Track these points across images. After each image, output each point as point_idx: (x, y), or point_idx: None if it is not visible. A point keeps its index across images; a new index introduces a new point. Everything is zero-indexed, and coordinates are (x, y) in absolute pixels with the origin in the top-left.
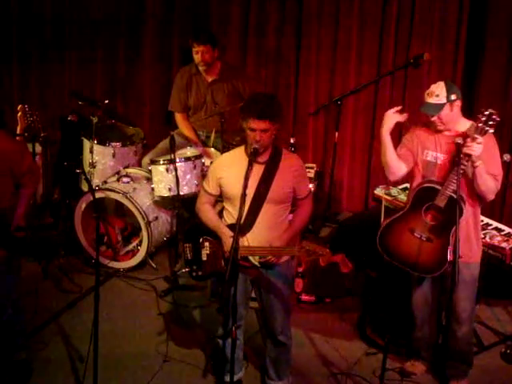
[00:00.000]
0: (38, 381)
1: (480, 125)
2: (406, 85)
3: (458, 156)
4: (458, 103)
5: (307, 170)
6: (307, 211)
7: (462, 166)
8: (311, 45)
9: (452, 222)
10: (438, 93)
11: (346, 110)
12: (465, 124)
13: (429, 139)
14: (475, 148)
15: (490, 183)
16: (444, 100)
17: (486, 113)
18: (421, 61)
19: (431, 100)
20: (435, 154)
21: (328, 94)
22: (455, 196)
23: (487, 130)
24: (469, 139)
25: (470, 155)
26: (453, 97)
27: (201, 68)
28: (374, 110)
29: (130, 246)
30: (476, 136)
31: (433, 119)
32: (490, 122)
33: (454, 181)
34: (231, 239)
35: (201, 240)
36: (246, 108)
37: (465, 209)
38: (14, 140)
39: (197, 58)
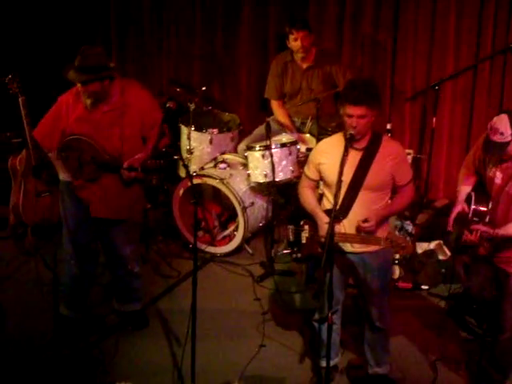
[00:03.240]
0: (137, 364)
1: None
2: (505, 70)
3: None
4: None
5: None
6: (407, 197)
7: None
8: (408, 29)
9: None
10: (502, 130)
11: (444, 95)
12: None
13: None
14: None
15: None
16: (509, 138)
17: None
18: None
19: (495, 138)
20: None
21: (425, 80)
22: None
23: None
24: None
25: None
26: None
27: (299, 55)
28: (472, 96)
29: (227, 232)
30: None
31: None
32: None
33: None
34: (326, 225)
35: (302, 223)
36: (343, 94)
37: None
38: (149, 95)
39: (296, 45)
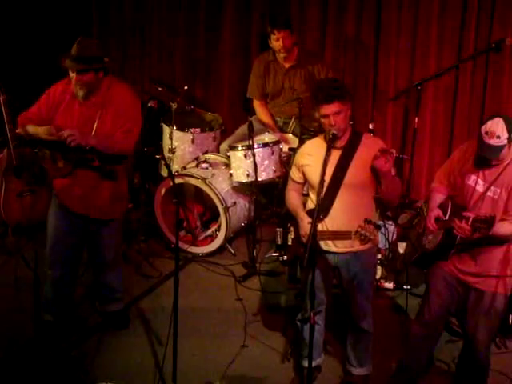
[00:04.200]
0: (119, 364)
1: None
2: (488, 70)
3: None
4: None
5: None
6: (395, 187)
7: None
8: (391, 29)
9: None
10: (498, 134)
11: (426, 95)
12: None
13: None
14: None
15: None
16: (505, 141)
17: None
18: (502, 45)
19: (491, 142)
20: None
21: (408, 79)
22: None
23: None
24: None
25: None
26: None
27: (281, 55)
28: (454, 96)
29: (209, 232)
30: None
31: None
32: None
33: None
34: (307, 224)
35: (288, 225)
36: (314, 98)
37: None
38: (131, 95)
39: (277, 45)
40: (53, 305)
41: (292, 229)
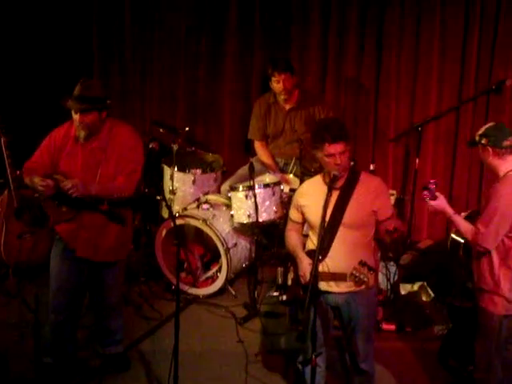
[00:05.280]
0: None
1: None
2: (488, 111)
3: None
4: (489, 149)
5: None
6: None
7: None
8: (391, 71)
9: None
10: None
11: (427, 136)
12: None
13: None
14: None
15: None
16: (477, 138)
17: None
18: (503, 87)
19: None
20: None
21: (408, 120)
22: None
23: None
24: None
25: None
26: (483, 141)
27: (282, 97)
28: (455, 137)
29: (210, 273)
30: None
31: None
32: None
33: None
34: (307, 265)
35: (289, 264)
36: (318, 136)
37: None
38: (135, 136)
39: (278, 87)
40: (53, 347)
41: (292, 269)
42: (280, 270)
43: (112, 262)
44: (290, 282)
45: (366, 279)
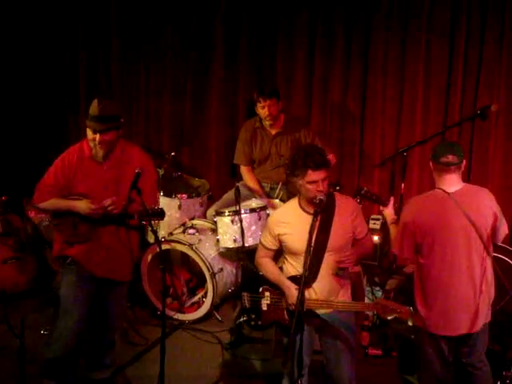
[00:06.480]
0: None
1: None
2: (473, 136)
3: None
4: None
5: (373, 221)
6: (369, 247)
7: None
8: (376, 95)
9: None
10: None
11: (412, 161)
12: None
13: None
14: None
15: None
16: None
17: None
18: (488, 112)
19: None
20: None
21: (394, 145)
22: None
23: None
24: None
25: None
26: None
27: (267, 122)
28: None
29: (196, 298)
30: None
31: None
32: None
33: None
34: (296, 291)
35: (260, 289)
36: (300, 164)
37: None
38: (146, 155)
39: (263, 112)
40: (60, 373)
41: (267, 294)
42: (246, 294)
43: (126, 281)
44: (265, 307)
45: (399, 310)
